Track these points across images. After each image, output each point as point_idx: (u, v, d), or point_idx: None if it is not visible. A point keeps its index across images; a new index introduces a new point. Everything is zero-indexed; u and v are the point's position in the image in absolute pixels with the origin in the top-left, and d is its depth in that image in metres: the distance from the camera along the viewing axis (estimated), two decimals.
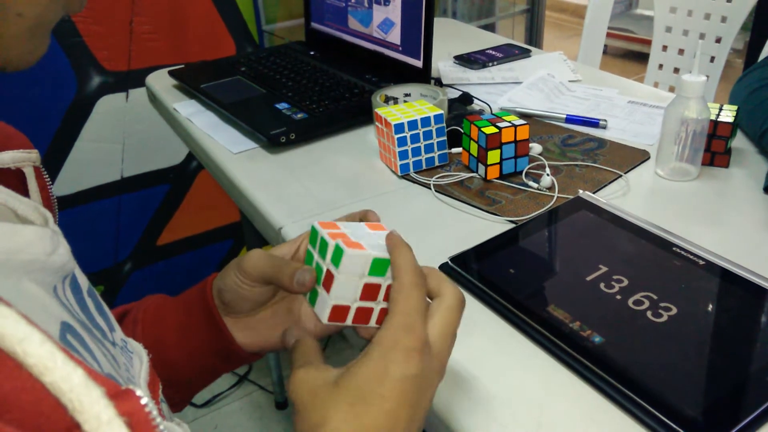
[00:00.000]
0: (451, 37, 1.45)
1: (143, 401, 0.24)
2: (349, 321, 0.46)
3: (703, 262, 0.63)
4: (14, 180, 0.41)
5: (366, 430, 0.37)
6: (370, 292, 0.45)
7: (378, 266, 0.44)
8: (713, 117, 0.82)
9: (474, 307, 0.61)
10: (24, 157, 0.41)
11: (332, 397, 0.38)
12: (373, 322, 0.47)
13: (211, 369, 0.55)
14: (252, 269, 0.49)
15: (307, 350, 0.43)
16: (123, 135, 1.61)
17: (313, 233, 0.47)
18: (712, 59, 1.50)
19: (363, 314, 0.46)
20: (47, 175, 0.43)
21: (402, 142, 0.83)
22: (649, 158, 0.87)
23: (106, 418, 0.23)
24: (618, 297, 0.59)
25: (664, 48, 1.60)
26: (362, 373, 0.39)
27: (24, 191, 0.41)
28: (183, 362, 0.53)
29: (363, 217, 0.52)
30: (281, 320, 0.53)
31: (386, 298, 0.46)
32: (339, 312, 0.45)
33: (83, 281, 0.39)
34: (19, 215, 0.36)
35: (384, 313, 0.46)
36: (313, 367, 0.41)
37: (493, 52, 1.30)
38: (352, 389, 0.38)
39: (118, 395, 0.24)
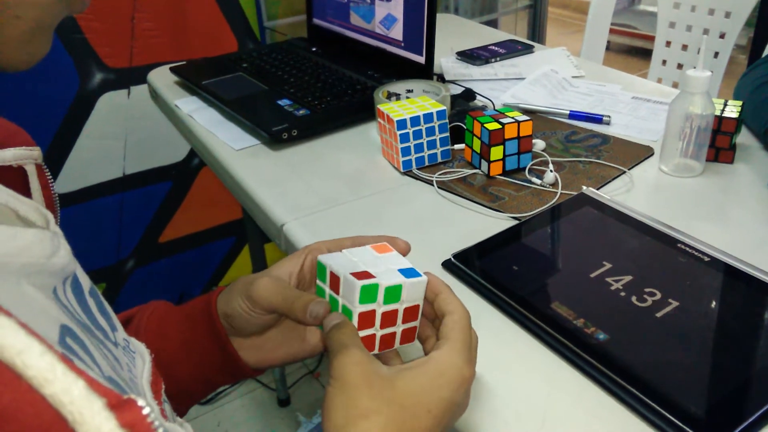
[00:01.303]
0: (454, 33, 1.45)
1: (145, 411, 0.24)
2: (376, 350, 0.46)
3: (708, 259, 0.63)
4: (16, 178, 0.40)
5: None
6: (389, 319, 0.46)
7: (391, 293, 0.45)
8: (718, 112, 0.81)
9: (477, 305, 0.61)
10: (26, 155, 0.40)
11: (388, 393, 0.40)
12: (397, 344, 0.47)
13: (212, 383, 0.55)
14: (263, 301, 0.48)
15: (355, 333, 0.43)
16: (125, 132, 1.60)
17: (321, 268, 0.47)
18: (716, 55, 1.49)
19: (388, 340, 0.47)
20: (49, 173, 0.43)
21: (404, 138, 0.82)
22: (653, 154, 0.87)
23: (107, 429, 0.23)
24: (622, 294, 0.59)
25: (668, 44, 1.60)
26: (418, 382, 0.41)
27: (26, 189, 0.41)
28: (186, 376, 0.53)
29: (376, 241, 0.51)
30: (287, 339, 0.53)
31: (405, 320, 0.47)
32: (366, 343, 0.45)
33: (85, 281, 0.39)
34: (20, 216, 0.36)
35: (407, 333, 0.47)
36: (365, 354, 0.42)
37: (496, 48, 1.29)
38: (406, 394, 0.40)
39: (119, 406, 0.24)
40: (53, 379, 0.23)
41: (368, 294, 0.44)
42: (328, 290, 0.47)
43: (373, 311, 0.45)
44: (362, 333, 0.45)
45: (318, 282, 0.48)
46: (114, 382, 0.33)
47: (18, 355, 0.23)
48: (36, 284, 0.31)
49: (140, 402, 0.24)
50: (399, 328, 0.47)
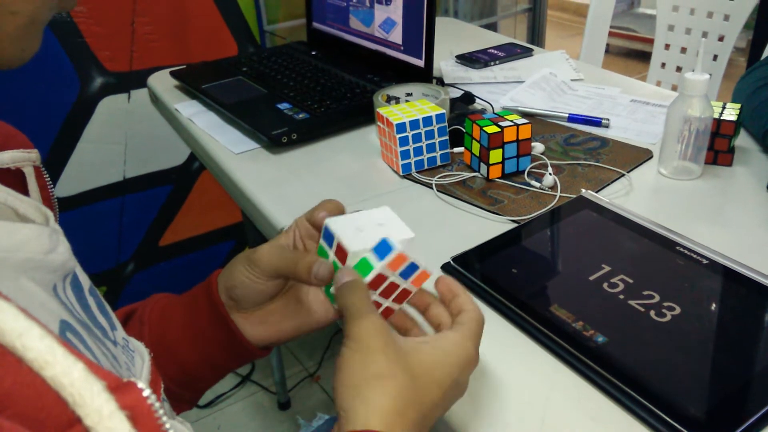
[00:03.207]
0: (453, 37, 1.45)
1: (145, 393, 0.24)
2: None
3: (707, 262, 0.63)
4: (14, 180, 0.41)
5: (414, 404, 0.40)
6: (389, 290, 0.47)
7: (408, 269, 0.47)
8: (716, 115, 0.81)
9: None
10: (23, 157, 0.41)
11: (404, 361, 0.41)
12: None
13: (220, 366, 0.55)
14: (266, 264, 0.49)
15: (369, 297, 0.45)
16: (125, 136, 1.61)
17: (327, 233, 0.48)
18: (715, 57, 1.49)
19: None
20: (47, 175, 0.43)
21: (404, 141, 0.82)
22: (651, 157, 0.87)
23: (107, 411, 0.23)
24: (621, 297, 0.59)
25: (667, 47, 1.60)
26: (431, 356, 0.43)
27: (24, 191, 0.41)
28: (193, 361, 0.53)
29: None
30: (292, 310, 0.53)
31: (396, 300, 0.48)
32: None
33: (84, 280, 0.39)
34: (19, 214, 0.36)
35: (386, 312, 0.48)
36: (384, 321, 0.43)
37: (495, 52, 1.29)
38: (420, 365, 0.42)
39: (120, 388, 0.24)
40: (53, 362, 0.23)
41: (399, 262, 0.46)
42: (332, 255, 0.48)
43: (386, 278, 0.46)
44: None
45: (321, 242, 0.49)
46: None
47: (18, 338, 0.23)
48: (35, 280, 0.31)
49: (140, 384, 0.24)
50: (386, 303, 0.48)
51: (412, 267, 0.47)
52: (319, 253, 0.49)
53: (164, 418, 0.25)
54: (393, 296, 0.48)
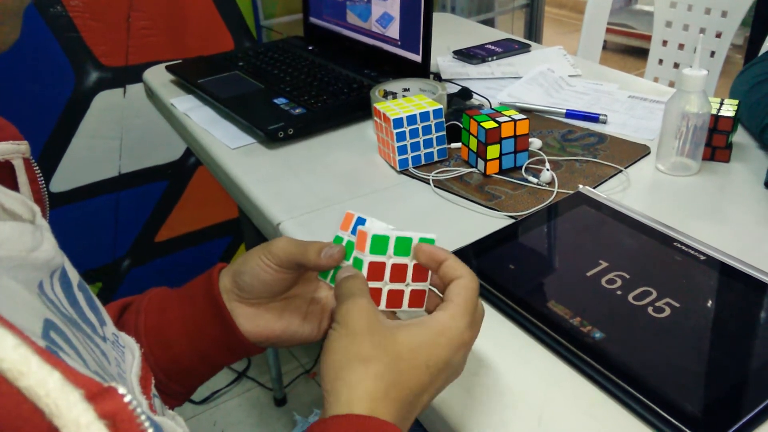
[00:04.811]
0: (451, 32, 1.44)
1: (126, 399, 0.24)
2: (382, 305, 0.48)
3: (704, 258, 0.63)
4: (3, 172, 0.40)
5: (399, 386, 0.40)
6: (398, 273, 0.48)
7: (402, 245, 0.47)
8: (714, 111, 0.81)
9: None
10: (12, 149, 0.40)
11: (389, 343, 0.41)
12: (405, 305, 0.49)
13: (214, 359, 0.55)
14: (281, 252, 0.49)
15: (364, 284, 0.45)
16: (121, 131, 1.60)
17: (347, 219, 0.50)
18: (712, 54, 1.49)
19: (395, 297, 0.48)
20: (38, 167, 0.42)
21: (401, 137, 0.82)
22: (649, 153, 0.87)
23: (85, 422, 0.22)
24: (618, 292, 0.59)
25: (664, 43, 1.60)
26: (419, 338, 0.42)
27: (13, 184, 0.40)
28: (186, 352, 0.53)
29: None
30: (288, 312, 0.53)
31: (415, 279, 0.48)
32: (374, 296, 0.47)
33: (73, 275, 0.39)
34: (5, 209, 0.36)
35: (416, 295, 0.49)
36: (371, 303, 0.43)
37: (493, 47, 1.29)
38: (406, 347, 0.41)
39: (99, 395, 0.23)
40: (27, 372, 0.22)
41: (379, 244, 0.47)
42: (347, 237, 0.49)
43: (383, 263, 0.47)
44: (371, 285, 0.47)
45: (339, 231, 0.50)
46: (100, 377, 0.32)
47: None
48: (18, 278, 0.31)
49: (121, 390, 0.24)
50: (408, 288, 0.48)
51: (402, 240, 0.47)
52: (336, 241, 0.51)
53: (147, 424, 0.24)
54: (409, 277, 0.48)
